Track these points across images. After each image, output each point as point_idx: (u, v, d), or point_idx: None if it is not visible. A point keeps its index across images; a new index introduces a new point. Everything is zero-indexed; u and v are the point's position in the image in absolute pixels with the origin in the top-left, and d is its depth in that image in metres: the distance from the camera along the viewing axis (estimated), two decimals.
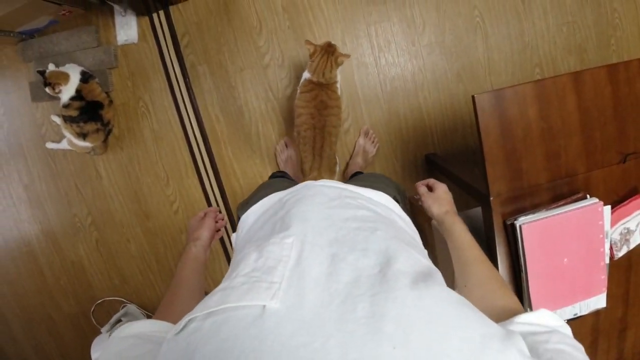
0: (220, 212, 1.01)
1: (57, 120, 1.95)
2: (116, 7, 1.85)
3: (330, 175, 1.58)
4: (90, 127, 1.84)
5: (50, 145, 2.00)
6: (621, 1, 1.84)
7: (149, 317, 2.10)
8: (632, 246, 1.25)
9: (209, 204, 1.99)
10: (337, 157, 1.64)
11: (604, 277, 1.22)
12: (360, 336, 0.34)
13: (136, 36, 1.88)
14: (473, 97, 1.10)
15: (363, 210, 0.65)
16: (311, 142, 1.52)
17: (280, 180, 1.26)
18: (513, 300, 0.58)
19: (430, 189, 0.94)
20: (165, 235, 2.07)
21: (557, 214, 1.15)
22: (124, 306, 2.15)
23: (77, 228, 2.09)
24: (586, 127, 1.18)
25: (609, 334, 1.35)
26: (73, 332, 2.23)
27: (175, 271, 0.79)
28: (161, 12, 1.86)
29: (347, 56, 1.49)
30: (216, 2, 1.83)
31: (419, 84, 1.85)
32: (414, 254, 0.50)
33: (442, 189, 0.92)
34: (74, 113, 1.81)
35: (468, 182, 1.46)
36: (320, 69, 1.45)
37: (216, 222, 0.96)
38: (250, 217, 0.81)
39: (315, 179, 1.45)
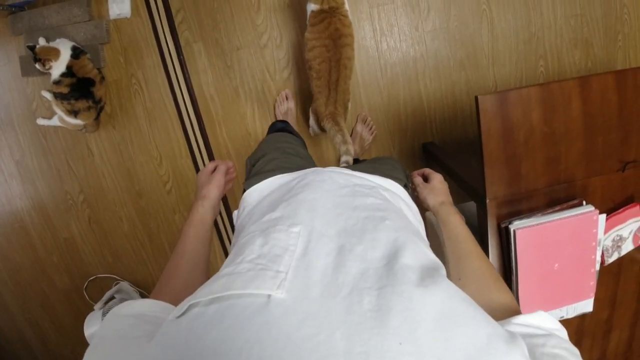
0: (231, 163, 0.93)
1: (48, 96, 1.89)
2: None
3: (344, 111, 1.52)
4: (81, 104, 1.79)
5: (41, 121, 1.95)
6: None
7: (142, 294, 2.13)
8: (623, 253, 1.26)
9: None
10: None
11: (592, 283, 1.23)
12: (367, 329, 0.34)
13: (129, 10, 1.80)
14: (476, 98, 1.08)
15: (372, 197, 0.64)
16: (327, 75, 1.45)
17: (284, 136, 1.16)
18: (509, 298, 0.58)
19: (425, 179, 0.92)
20: (158, 215, 2.06)
21: (552, 220, 1.15)
22: (117, 283, 2.16)
23: (69, 205, 2.07)
24: (589, 134, 1.16)
25: (594, 335, 1.38)
26: (66, 306, 2.26)
27: (180, 235, 0.74)
28: None
29: None
30: None
31: (420, 71, 1.80)
32: (421, 246, 0.50)
33: (437, 179, 0.89)
34: (64, 90, 1.75)
35: (464, 178, 1.45)
36: None
37: (227, 175, 0.90)
38: (253, 196, 0.78)
39: (332, 113, 1.47)
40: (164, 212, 2.05)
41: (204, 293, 0.40)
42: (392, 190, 0.76)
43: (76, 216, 2.09)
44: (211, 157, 1.93)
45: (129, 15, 1.81)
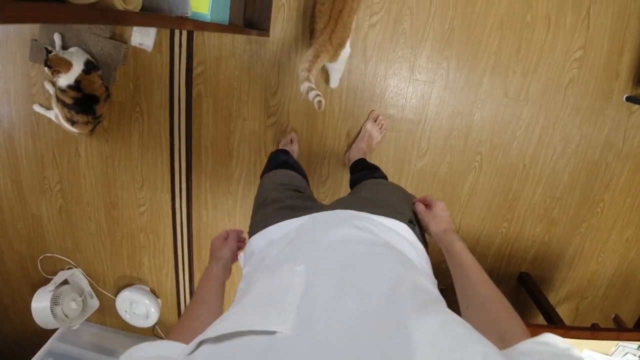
0: (242, 231, 1.00)
1: (51, 90, 1.90)
2: None
3: (339, 47, 1.44)
4: (80, 118, 1.83)
5: (37, 108, 1.97)
6: (612, 195, 1.92)
7: (91, 284, 2.28)
8: None
9: (174, 222, 2.09)
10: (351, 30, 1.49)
11: None
12: None
13: (152, 45, 1.80)
14: None
15: (372, 235, 0.67)
16: (330, 4, 1.37)
17: (283, 175, 1.17)
18: (520, 325, 0.56)
19: (427, 206, 0.91)
20: (125, 228, 2.17)
21: None
22: (70, 268, 2.30)
23: (44, 189, 2.14)
24: None
25: None
26: (17, 266, 2.39)
27: (196, 290, 0.80)
28: (184, 31, 1.77)
29: None
30: (242, 48, 1.76)
31: None
32: (422, 281, 0.52)
33: (439, 206, 0.88)
34: (67, 100, 1.78)
35: None
36: None
37: (239, 241, 0.97)
38: (260, 241, 0.81)
39: (322, 45, 1.38)
40: (131, 228, 2.16)
41: (212, 331, 0.41)
42: (396, 230, 0.77)
43: (48, 200, 2.17)
44: (189, 201, 2.03)
45: (150, 49, 1.81)
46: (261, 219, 0.86)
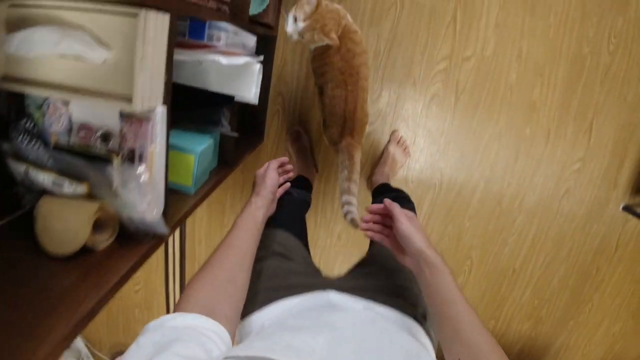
0: (286, 159, 0.95)
1: None
2: None
3: (361, 134, 1.30)
4: None
5: None
6: (602, 295, 1.93)
7: (87, 347, 2.35)
8: None
9: (168, 303, 2.12)
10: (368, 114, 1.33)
11: None
12: None
13: None
14: None
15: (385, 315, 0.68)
16: (342, 103, 1.22)
17: (283, 236, 0.97)
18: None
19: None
20: (120, 302, 2.21)
21: None
22: None
23: None
24: None
25: None
26: None
27: (231, 227, 0.75)
28: None
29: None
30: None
31: None
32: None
33: (415, 218, 0.74)
34: None
35: None
36: (319, 27, 1.10)
37: (283, 169, 0.92)
38: (258, 321, 0.73)
39: (349, 145, 1.26)
40: (125, 304, 2.21)
41: (241, 349, 0.43)
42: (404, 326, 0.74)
43: None
44: (182, 284, 2.06)
45: None
46: (257, 299, 0.78)
